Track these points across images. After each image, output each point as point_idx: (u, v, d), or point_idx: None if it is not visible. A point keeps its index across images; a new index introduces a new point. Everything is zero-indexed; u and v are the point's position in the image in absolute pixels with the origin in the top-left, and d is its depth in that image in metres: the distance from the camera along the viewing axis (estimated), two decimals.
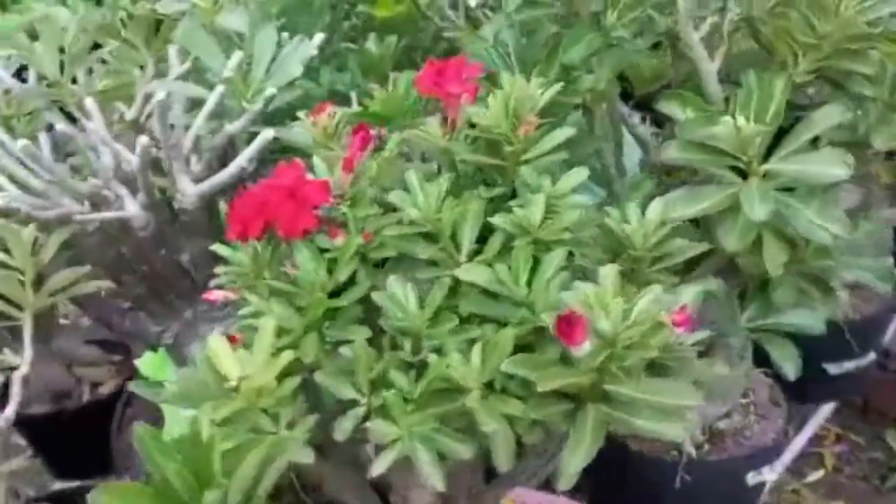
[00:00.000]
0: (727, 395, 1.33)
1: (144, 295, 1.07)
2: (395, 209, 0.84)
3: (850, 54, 0.84)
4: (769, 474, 1.36)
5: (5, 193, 0.87)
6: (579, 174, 0.84)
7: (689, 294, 0.82)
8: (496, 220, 0.82)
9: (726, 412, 1.36)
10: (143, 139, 0.85)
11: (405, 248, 0.83)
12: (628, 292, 0.75)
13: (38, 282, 0.97)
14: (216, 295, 0.83)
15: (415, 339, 0.77)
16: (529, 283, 0.77)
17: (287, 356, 0.73)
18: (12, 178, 0.92)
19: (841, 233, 0.85)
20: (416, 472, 1.00)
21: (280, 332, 0.79)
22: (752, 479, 1.34)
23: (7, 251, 0.95)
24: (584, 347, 0.68)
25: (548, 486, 1.65)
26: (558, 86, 0.86)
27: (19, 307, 0.96)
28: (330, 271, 0.81)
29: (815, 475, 2.11)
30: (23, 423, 1.57)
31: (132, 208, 0.95)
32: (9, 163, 0.94)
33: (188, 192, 0.97)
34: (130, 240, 1.00)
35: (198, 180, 0.98)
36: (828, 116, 0.85)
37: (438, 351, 0.76)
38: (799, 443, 1.79)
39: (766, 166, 0.87)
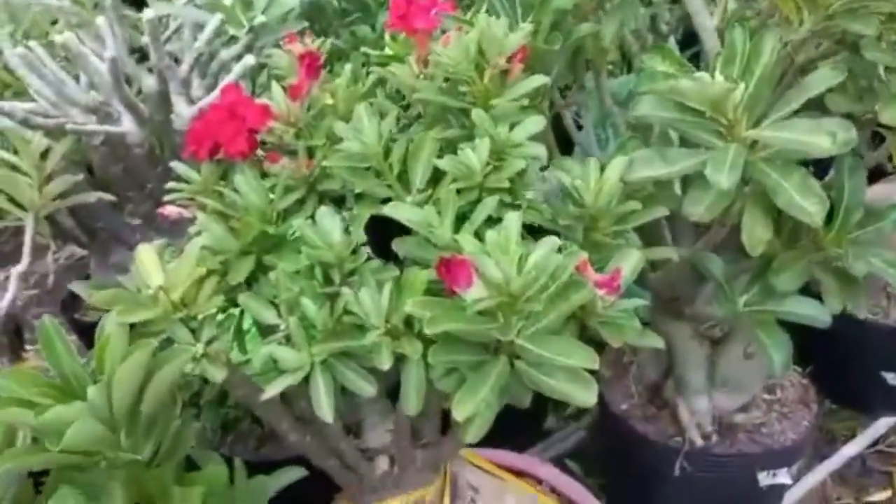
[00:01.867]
0: (743, 386, 1.25)
1: (151, 212, 1.12)
2: None
3: (851, 13, 0.74)
4: (785, 478, 1.26)
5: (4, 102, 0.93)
6: (535, 123, 0.80)
7: (633, 259, 0.77)
8: (443, 162, 0.79)
9: (744, 405, 1.27)
10: (110, 52, 0.89)
11: (351, 182, 0.82)
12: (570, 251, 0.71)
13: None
14: (169, 210, 0.86)
15: (336, 272, 0.76)
16: (457, 229, 0.75)
17: (201, 271, 0.75)
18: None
19: (818, 212, 0.76)
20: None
21: (216, 252, 0.80)
22: (764, 479, 1.25)
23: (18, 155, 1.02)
24: (471, 293, 0.65)
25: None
26: (528, 29, 0.82)
27: (24, 208, 1.03)
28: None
29: (880, 495, 1.95)
30: (81, 329, 1.70)
31: (128, 124, 0.99)
32: (25, 74, 1.00)
33: (183, 114, 1.00)
34: (130, 156, 1.04)
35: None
36: (822, 80, 0.77)
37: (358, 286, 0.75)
38: (846, 453, 1.65)
39: (752, 132, 0.79)
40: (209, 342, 0.77)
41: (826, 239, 0.97)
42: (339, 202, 0.89)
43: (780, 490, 1.35)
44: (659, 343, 0.75)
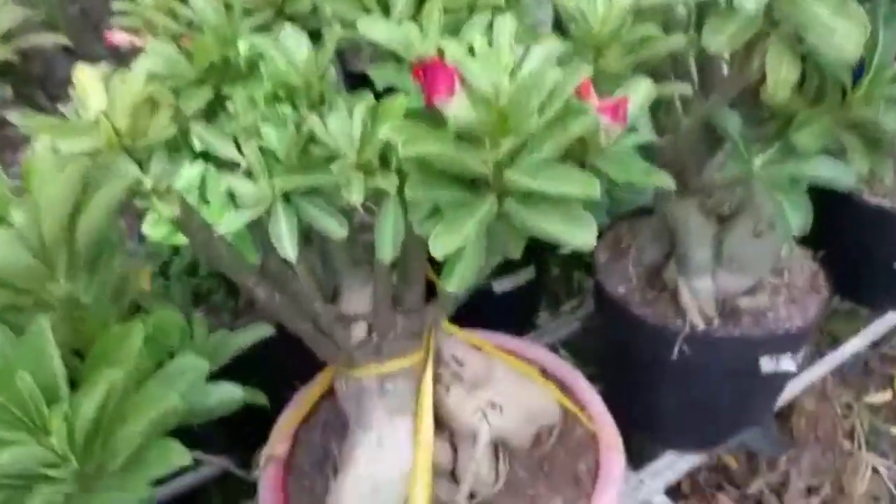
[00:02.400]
0: (750, 267, 1.17)
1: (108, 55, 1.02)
2: None
3: None
4: (788, 364, 1.20)
5: None
6: None
7: (642, 89, 0.67)
8: None
9: (749, 288, 1.20)
10: None
11: (322, 3, 0.72)
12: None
13: None
14: (118, 37, 0.76)
15: (302, 98, 0.67)
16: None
17: (150, 91, 0.65)
18: None
19: (858, 37, 0.67)
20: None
21: (167, 77, 0.71)
22: (766, 365, 1.19)
23: None
24: (453, 106, 0.56)
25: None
26: None
27: None
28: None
29: (879, 396, 1.91)
30: None
31: None
32: None
33: None
34: None
35: None
36: None
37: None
38: (850, 349, 1.59)
39: None
40: (159, 178, 0.68)
41: (854, 96, 0.87)
42: (313, 39, 0.79)
43: (782, 379, 1.29)
44: (669, 182, 0.67)
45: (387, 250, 0.67)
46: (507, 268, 1.49)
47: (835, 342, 1.73)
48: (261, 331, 0.79)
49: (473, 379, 1.00)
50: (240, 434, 1.10)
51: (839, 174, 0.87)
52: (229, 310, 1.15)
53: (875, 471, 1.73)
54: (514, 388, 1.02)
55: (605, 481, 0.99)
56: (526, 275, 1.51)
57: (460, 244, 0.60)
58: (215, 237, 0.69)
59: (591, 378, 1.38)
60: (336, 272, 0.95)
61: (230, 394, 0.69)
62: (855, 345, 1.57)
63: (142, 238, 1.26)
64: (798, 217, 0.85)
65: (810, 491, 1.69)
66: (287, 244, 0.64)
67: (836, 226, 1.44)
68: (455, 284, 0.66)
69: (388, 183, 0.63)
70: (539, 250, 1.55)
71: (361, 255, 0.94)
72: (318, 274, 0.95)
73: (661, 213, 1.21)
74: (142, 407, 0.54)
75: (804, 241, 1.29)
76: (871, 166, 0.89)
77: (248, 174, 0.67)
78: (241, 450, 1.11)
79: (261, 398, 0.75)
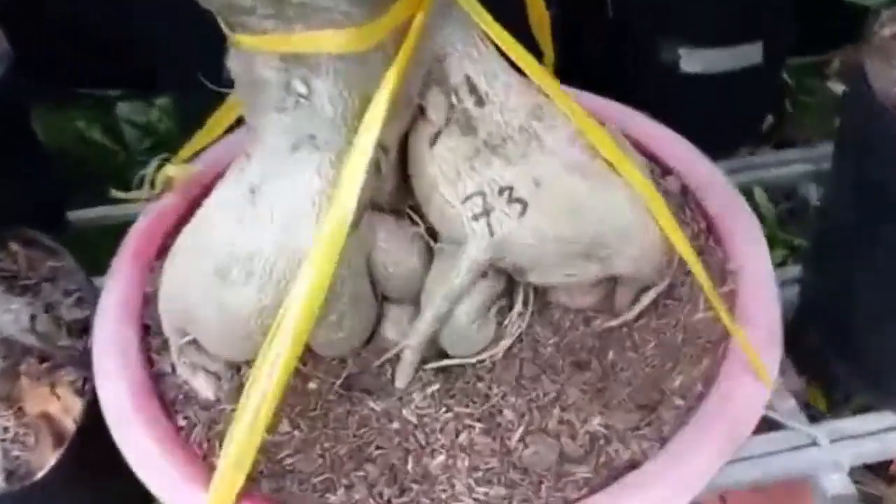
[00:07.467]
0: None
1: None
2: None
3: None
4: None
5: None
6: None
7: None
8: None
9: None
10: None
11: None
12: None
13: None
14: None
15: None
16: None
17: None
18: None
19: None
20: None
21: None
22: None
23: None
24: None
25: None
26: None
27: None
28: None
29: None
30: None
31: None
32: None
33: None
34: None
35: None
36: None
37: None
38: None
39: None
40: None
41: None
42: None
43: None
44: None
45: None
46: (713, 37, 0.88)
47: None
48: None
49: (494, 135, 0.47)
50: None
51: None
52: None
53: None
54: (578, 182, 0.47)
55: (705, 423, 0.45)
56: (748, 55, 0.88)
57: None
58: None
59: (794, 254, 0.82)
60: None
61: None
62: None
63: None
64: None
65: None
66: None
67: None
68: None
69: None
70: (775, 16, 0.91)
71: None
72: None
73: None
74: None
75: None
76: None
77: None
78: None
79: None
